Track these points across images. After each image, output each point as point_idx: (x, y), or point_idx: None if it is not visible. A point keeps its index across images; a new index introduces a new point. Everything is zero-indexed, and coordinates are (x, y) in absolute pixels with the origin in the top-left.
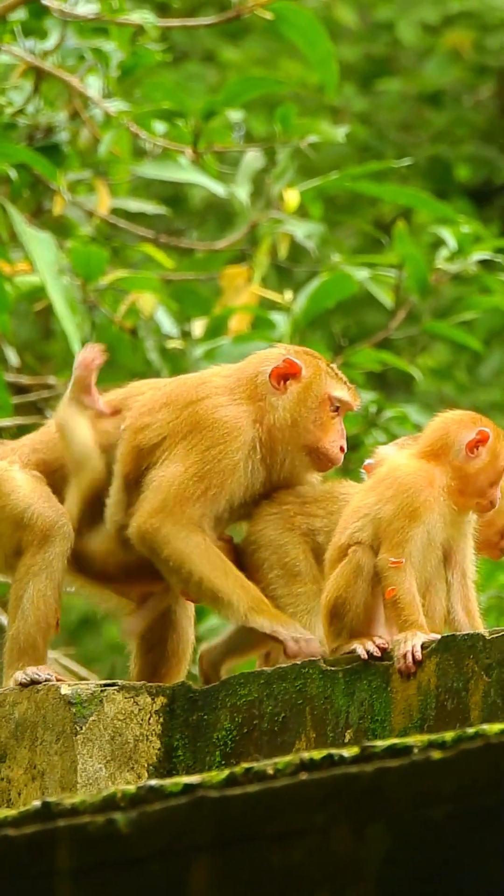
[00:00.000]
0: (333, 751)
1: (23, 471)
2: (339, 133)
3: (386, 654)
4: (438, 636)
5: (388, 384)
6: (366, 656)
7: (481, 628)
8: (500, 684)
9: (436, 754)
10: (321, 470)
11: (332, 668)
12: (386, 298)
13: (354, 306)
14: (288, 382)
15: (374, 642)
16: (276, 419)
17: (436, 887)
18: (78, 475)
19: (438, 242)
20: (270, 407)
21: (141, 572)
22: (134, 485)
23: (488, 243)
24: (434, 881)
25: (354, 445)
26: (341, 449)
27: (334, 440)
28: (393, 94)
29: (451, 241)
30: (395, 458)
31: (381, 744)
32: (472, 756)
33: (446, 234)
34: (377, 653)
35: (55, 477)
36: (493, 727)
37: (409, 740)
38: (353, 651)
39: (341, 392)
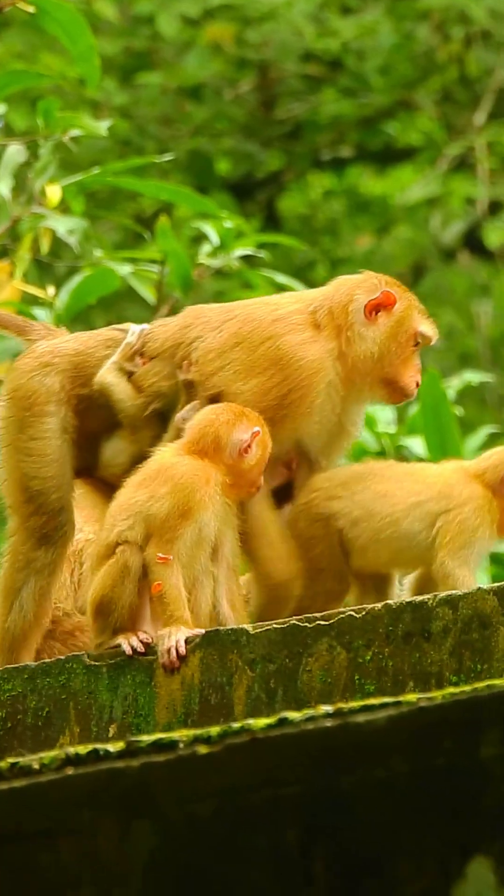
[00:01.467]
0: (99, 745)
1: (59, 434)
2: (102, 127)
3: (150, 649)
4: (202, 631)
5: None
6: (130, 652)
7: (246, 622)
8: (264, 679)
9: (202, 749)
10: (394, 402)
11: (96, 663)
12: (148, 294)
13: (117, 301)
14: (379, 314)
15: (138, 637)
16: (362, 351)
17: (202, 884)
18: (124, 429)
19: (200, 237)
20: (358, 338)
21: None
22: None
23: (250, 238)
24: (200, 878)
25: None
26: (417, 384)
27: (413, 375)
28: (153, 87)
29: (213, 236)
30: (164, 454)
31: (146, 738)
32: (237, 751)
33: (208, 228)
34: (141, 648)
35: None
36: (259, 722)
37: (175, 735)
38: (118, 646)
39: (427, 328)
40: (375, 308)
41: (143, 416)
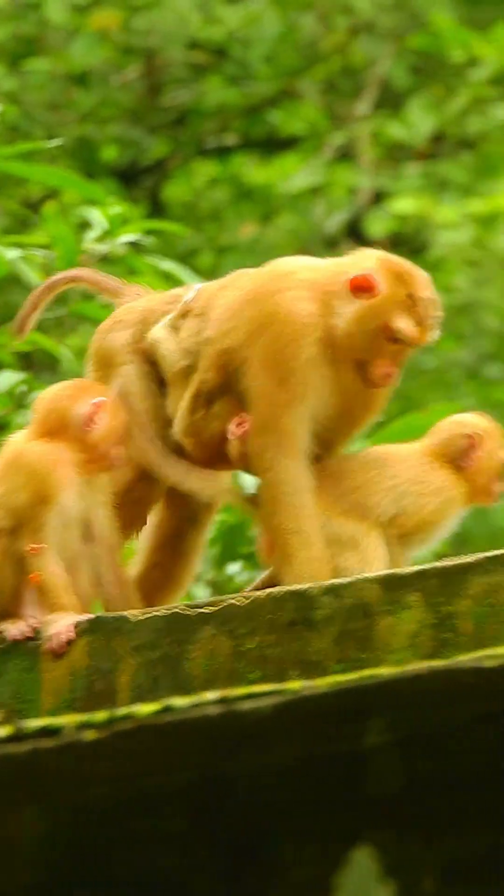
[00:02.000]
0: None
1: (138, 381)
2: None
3: (37, 634)
4: (89, 616)
5: (36, 364)
6: (19, 636)
7: (134, 597)
8: (148, 665)
9: (88, 735)
10: (367, 386)
11: None
12: (35, 278)
13: (3, 286)
14: (360, 294)
15: (25, 623)
16: (333, 325)
17: (90, 869)
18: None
19: (86, 223)
20: (333, 311)
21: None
22: (217, 392)
23: (136, 225)
24: (89, 862)
25: (1, 426)
26: (387, 376)
27: (382, 367)
28: (41, 73)
29: (100, 222)
30: (15, 441)
31: (34, 724)
32: (124, 737)
33: (95, 214)
34: (29, 633)
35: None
36: (144, 708)
37: (62, 720)
38: (4, 632)
39: (404, 324)
40: (358, 287)
41: (176, 373)
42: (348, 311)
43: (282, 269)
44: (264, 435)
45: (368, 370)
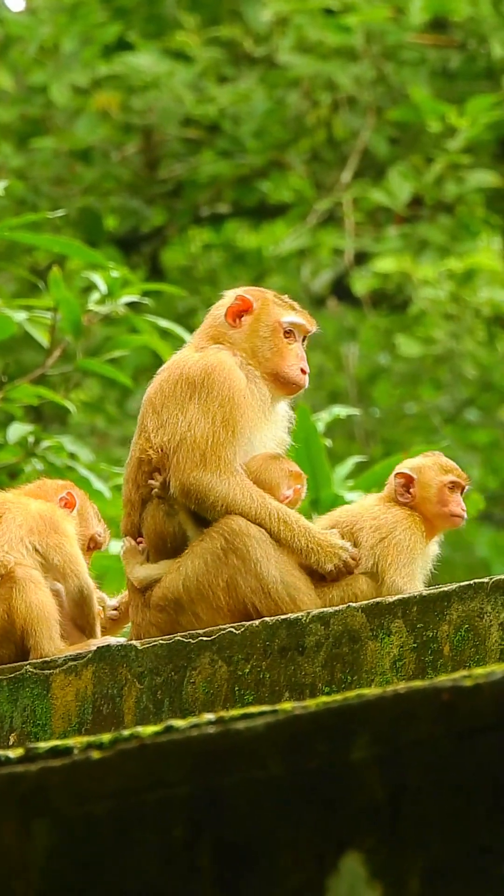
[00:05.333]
0: (0, 752)
1: None
2: (0, 187)
3: (51, 662)
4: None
5: (45, 417)
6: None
7: None
8: (151, 690)
9: (95, 754)
10: (288, 394)
11: None
12: (42, 338)
13: (13, 346)
14: (242, 318)
15: None
16: (242, 349)
17: (97, 877)
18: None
19: (90, 286)
20: (234, 341)
21: None
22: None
23: (135, 287)
24: (95, 872)
25: (14, 473)
26: (302, 370)
27: (292, 363)
28: (47, 151)
29: (102, 286)
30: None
31: (44, 745)
32: (128, 756)
33: (97, 278)
34: None
35: None
36: (147, 729)
37: (70, 742)
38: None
39: (290, 316)
40: (236, 314)
41: None
42: (241, 334)
43: (168, 364)
44: (200, 466)
45: (280, 373)
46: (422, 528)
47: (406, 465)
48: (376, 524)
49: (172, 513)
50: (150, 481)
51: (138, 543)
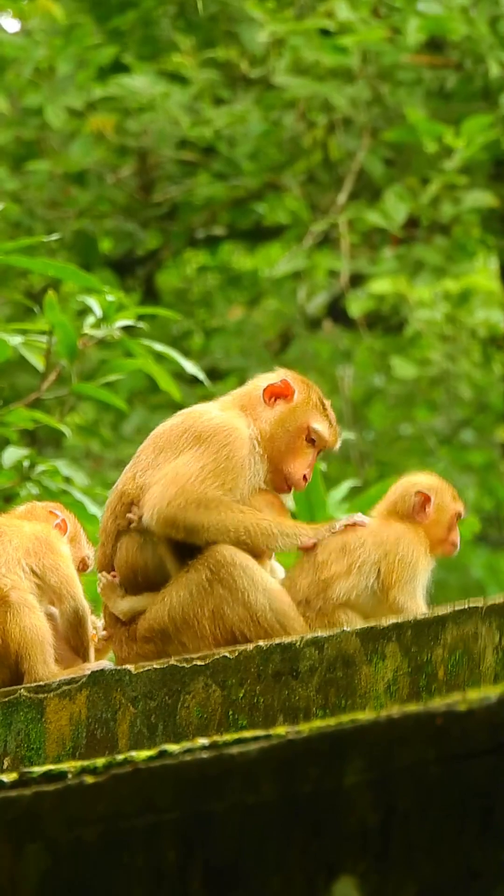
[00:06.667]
0: None
1: None
2: None
3: (44, 687)
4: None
5: (40, 441)
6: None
7: None
8: (146, 715)
9: (88, 779)
10: (279, 490)
11: None
12: (37, 362)
13: (8, 369)
14: (277, 401)
15: None
16: (263, 429)
17: None
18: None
19: (85, 310)
20: (260, 418)
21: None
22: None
23: (130, 311)
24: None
25: (9, 497)
26: (304, 478)
27: (300, 467)
28: (41, 173)
29: (97, 309)
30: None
31: (38, 769)
32: (121, 780)
33: (92, 302)
34: None
35: None
36: (141, 754)
37: (64, 766)
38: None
39: (321, 426)
40: (274, 394)
41: None
42: (268, 415)
43: (178, 416)
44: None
45: (284, 470)
46: (425, 542)
47: (421, 485)
48: (378, 539)
49: (146, 545)
50: (129, 515)
51: (113, 577)
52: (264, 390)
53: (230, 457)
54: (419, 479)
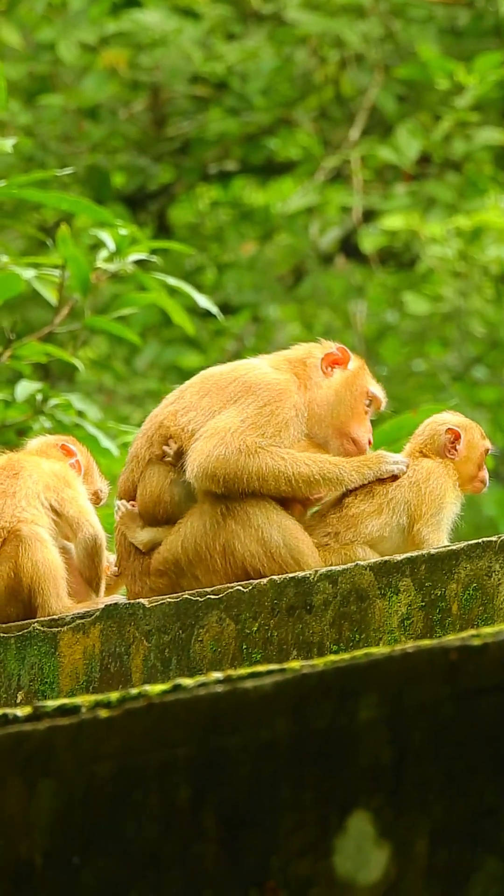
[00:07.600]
0: (7, 710)
1: None
2: (7, 144)
3: (58, 620)
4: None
5: (53, 375)
6: None
7: None
8: (159, 649)
9: (102, 713)
10: (338, 452)
11: (4, 635)
12: (50, 296)
13: (21, 303)
14: (335, 369)
15: None
16: (319, 395)
17: (101, 838)
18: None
19: (98, 244)
20: (314, 385)
21: None
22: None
23: (143, 245)
24: (100, 832)
25: (22, 430)
26: (369, 442)
27: (365, 431)
28: (54, 108)
29: (110, 243)
30: None
31: (51, 703)
32: (135, 715)
33: (105, 236)
34: None
35: None
36: (155, 688)
37: (78, 700)
38: None
39: (378, 391)
40: (332, 363)
41: None
42: (330, 382)
43: (229, 366)
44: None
45: (352, 434)
46: (455, 478)
47: (451, 423)
48: (410, 479)
49: (177, 481)
50: (165, 447)
51: (132, 507)
52: (323, 358)
53: (274, 413)
54: (448, 418)
